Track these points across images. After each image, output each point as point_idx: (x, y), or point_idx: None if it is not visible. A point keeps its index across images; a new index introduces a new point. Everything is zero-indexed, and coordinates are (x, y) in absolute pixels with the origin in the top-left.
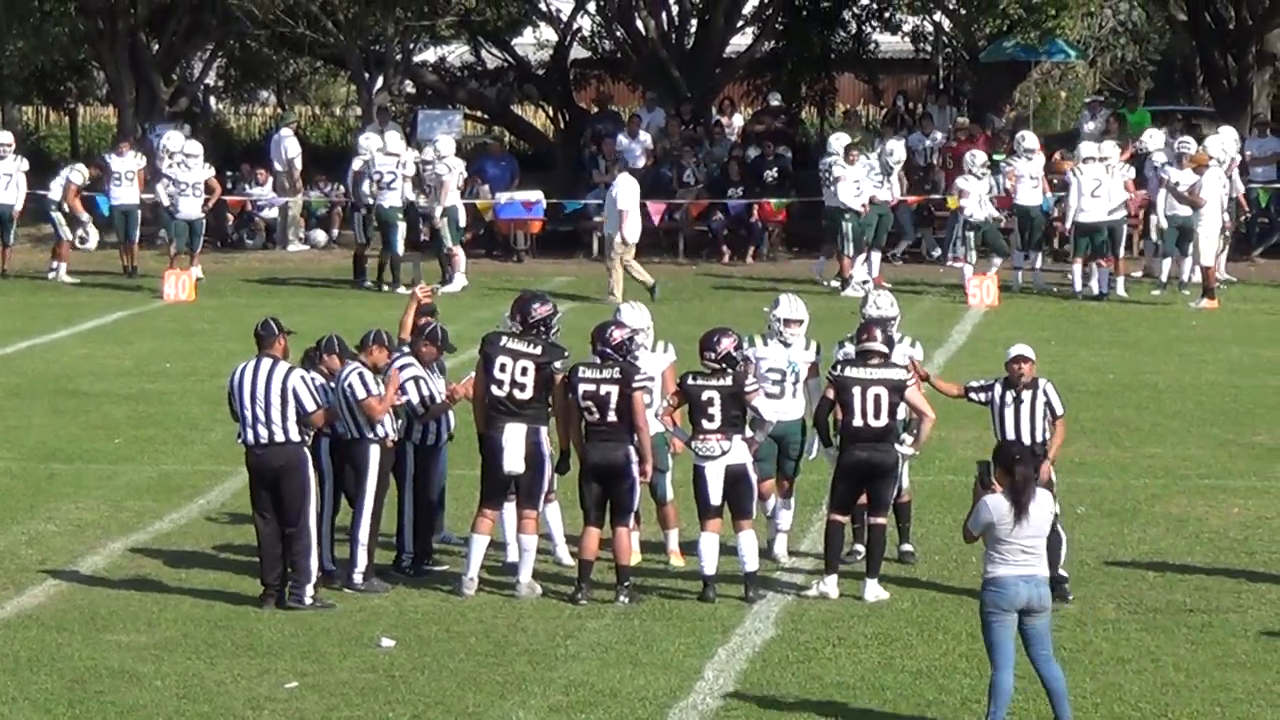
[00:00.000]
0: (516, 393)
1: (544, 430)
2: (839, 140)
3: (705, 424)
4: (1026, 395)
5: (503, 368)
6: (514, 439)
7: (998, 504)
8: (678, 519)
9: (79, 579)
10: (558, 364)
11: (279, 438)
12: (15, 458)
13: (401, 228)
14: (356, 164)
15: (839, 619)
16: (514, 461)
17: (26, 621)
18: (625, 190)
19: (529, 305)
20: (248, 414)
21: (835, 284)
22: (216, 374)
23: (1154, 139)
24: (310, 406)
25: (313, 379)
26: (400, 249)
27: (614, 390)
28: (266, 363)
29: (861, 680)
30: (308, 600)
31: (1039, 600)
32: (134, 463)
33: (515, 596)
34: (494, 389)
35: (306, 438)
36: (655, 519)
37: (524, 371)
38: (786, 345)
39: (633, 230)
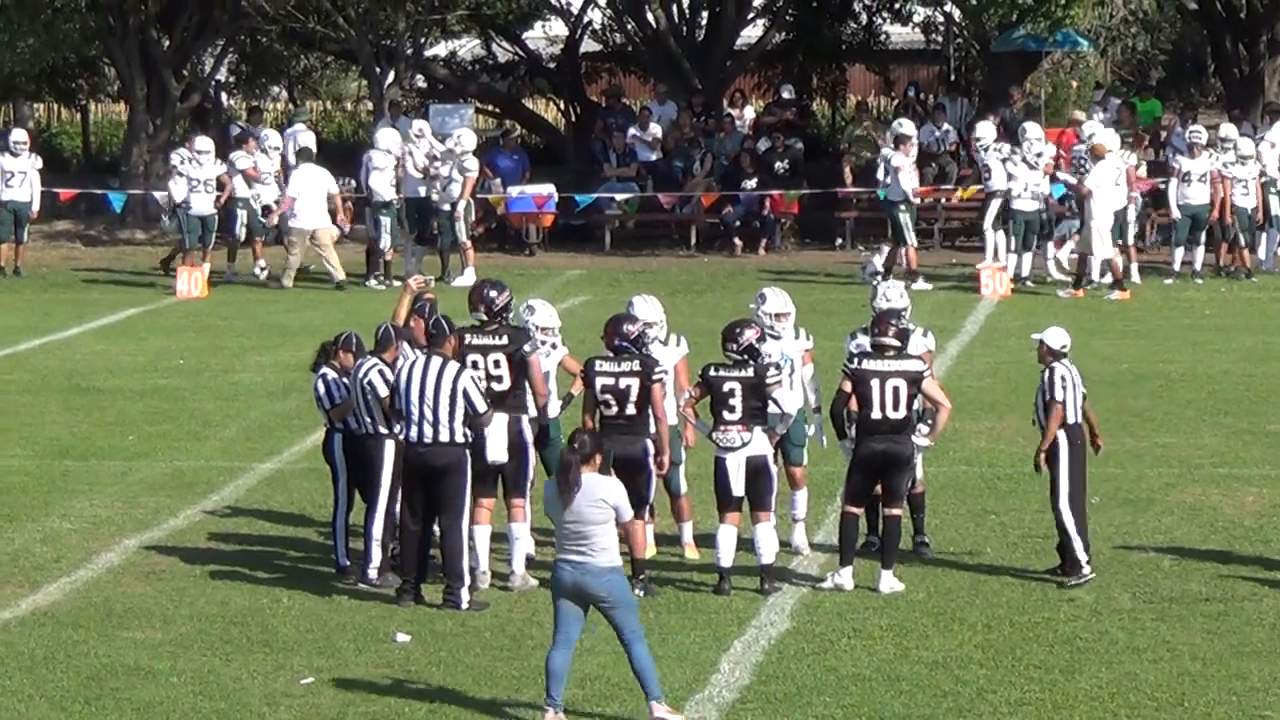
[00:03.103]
0: (495, 385)
1: (525, 419)
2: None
3: (726, 415)
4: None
5: (475, 365)
6: (496, 430)
7: (549, 486)
8: (691, 512)
9: (94, 576)
10: (526, 347)
11: (444, 437)
12: (29, 455)
13: (383, 220)
14: (366, 158)
15: (854, 611)
16: (498, 452)
17: (42, 619)
18: (298, 179)
19: (489, 294)
20: (414, 411)
21: (916, 283)
22: (229, 370)
23: (1091, 125)
24: (481, 408)
25: (474, 379)
26: (384, 241)
27: (634, 383)
28: (437, 361)
29: (877, 671)
30: (464, 604)
31: (589, 589)
32: (148, 459)
33: (509, 589)
34: None
35: (469, 438)
36: (669, 512)
37: (496, 364)
38: (776, 338)
39: (306, 217)
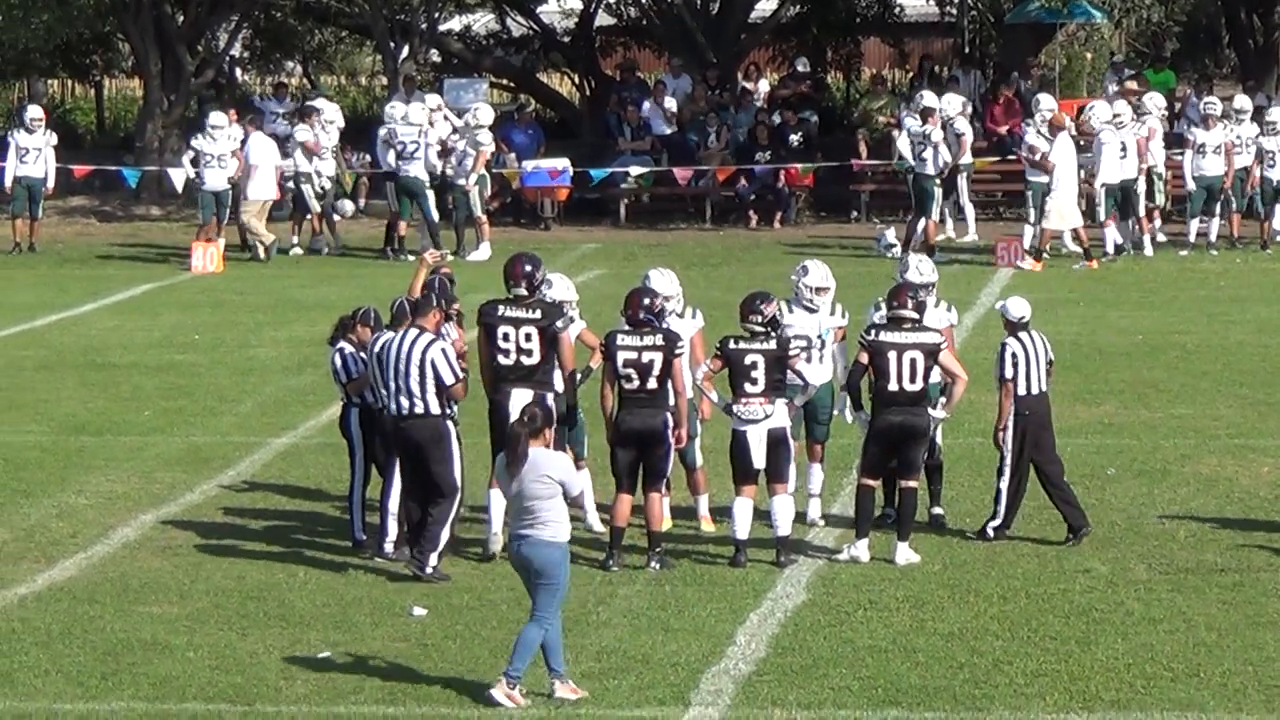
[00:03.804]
0: (524, 359)
1: (550, 396)
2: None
3: (748, 387)
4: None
5: (506, 337)
6: (520, 404)
7: (499, 460)
8: (708, 484)
9: (110, 551)
10: (559, 323)
11: (419, 409)
12: (45, 431)
13: (431, 195)
14: (382, 132)
15: (870, 582)
16: None
17: (58, 594)
18: (254, 149)
19: (526, 268)
20: (391, 384)
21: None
22: (245, 345)
23: (1153, 96)
24: (449, 379)
25: (444, 350)
26: (435, 215)
27: (657, 357)
28: (412, 334)
29: (893, 643)
30: (429, 570)
31: (530, 561)
32: (164, 434)
33: None
34: (501, 358)
35: (450, 410)
36: (685, 485)
37: (528, 337)
38: (813, 311)
39: (260, 188)
